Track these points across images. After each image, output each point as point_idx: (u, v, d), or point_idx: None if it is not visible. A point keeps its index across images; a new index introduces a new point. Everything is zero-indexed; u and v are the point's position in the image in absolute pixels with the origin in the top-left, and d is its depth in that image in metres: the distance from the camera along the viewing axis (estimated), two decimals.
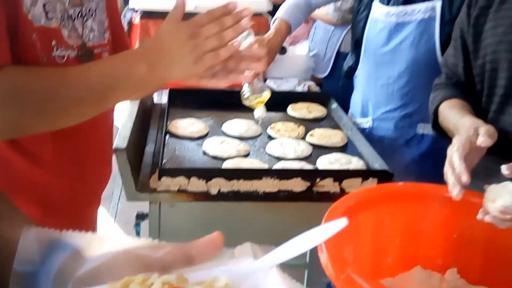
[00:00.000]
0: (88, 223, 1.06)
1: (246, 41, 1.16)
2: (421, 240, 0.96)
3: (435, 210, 0.96)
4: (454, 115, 1.08)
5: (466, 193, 0.87)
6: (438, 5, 1.48)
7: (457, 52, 1.19)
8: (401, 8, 1.55)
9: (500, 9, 1.07)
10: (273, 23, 1.71)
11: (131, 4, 2.34)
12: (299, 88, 2.23)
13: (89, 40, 0.90)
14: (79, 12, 0.87)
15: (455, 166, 0.87)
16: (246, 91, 1.29)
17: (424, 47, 1.51)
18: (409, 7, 1.54)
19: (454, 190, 0.86)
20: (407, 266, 0.95)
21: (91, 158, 0.98)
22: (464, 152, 0.89)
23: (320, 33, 2.66)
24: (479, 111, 1.11)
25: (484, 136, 0.89)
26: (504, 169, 0.84)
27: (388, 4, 1.59)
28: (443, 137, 1.19)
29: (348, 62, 1.80)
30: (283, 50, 2.35)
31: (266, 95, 1.27)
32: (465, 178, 0.85)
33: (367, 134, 1.66)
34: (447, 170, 0.90)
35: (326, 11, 2.55)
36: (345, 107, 1.83)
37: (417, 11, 1.53)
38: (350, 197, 0.94)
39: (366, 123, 1.71)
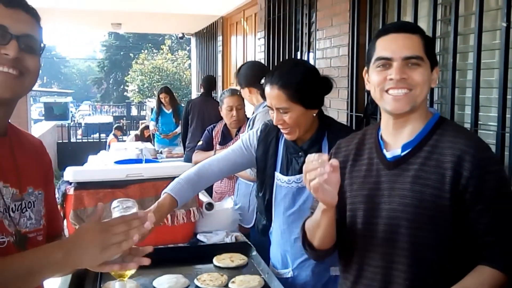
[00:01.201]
0: None
1: (131, 211, 1.38)
2: None
3: None
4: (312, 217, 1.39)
5: None
6: None
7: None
8: (298, 176, 1.88)
9: (352, 170, 1.43)
10: (161, 195, 1.86)
11: (65, 177, 2.56)
12: (227, 239, 2.47)
13: (26, 227, 1.13)
14: (19, 205, 1.12)
15: None
16: None
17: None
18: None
19: None
20: None
21: None
22: None
23: (242, 188, 3.00)
24: None
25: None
26: None
27: (287, 174, 1.92)
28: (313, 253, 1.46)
29: (261, 221, 2.06)
30: (210, 206, 2.63)
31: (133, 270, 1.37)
32: None
33: (290, 283, 1.90)
34: None
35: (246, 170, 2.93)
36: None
37: None
38: None
39: (288, 273, 1.95)
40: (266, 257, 2.06)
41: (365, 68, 1.40)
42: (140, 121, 16.59)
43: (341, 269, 1.50)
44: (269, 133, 2.01)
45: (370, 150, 1.43)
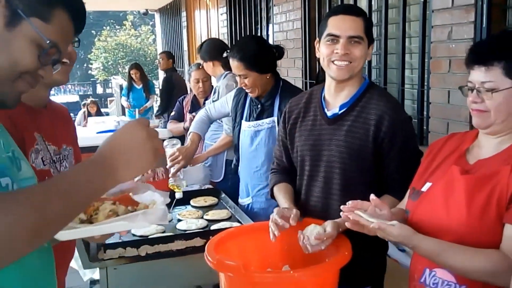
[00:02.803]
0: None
1: (174, 147, 2.12)
2: (268, 254, 1.63)
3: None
4: (280, 199, 1.83)
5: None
6: (275, 119, 2.33)
7: (281, 149, 1.96)
8: (255, 122, 2.41)
9: (301, 124, 1.86)
10: (189, 135, 2.62)
11: None
12: None
13: None
14: (58, 158, 1.54)
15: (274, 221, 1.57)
16: (171, 180, 2.34)
17: (271, 145, 2.31)
18: (260, 121, 2.38)
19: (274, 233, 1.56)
20: (263, 269, 1.60)
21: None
22: (278, 214, 1.59)
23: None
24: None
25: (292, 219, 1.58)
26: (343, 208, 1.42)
27: (248, 120, 2.44)
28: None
29: (234, 162, 2.64)
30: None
31: (184, 185, 2.29)
32: (276, 232, 1.54)
33: (250, 208, 2.39)
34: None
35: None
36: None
37: (265, 123, 2.37)
38: (224, 232, 1.62)
39: (248, 200, 2.43)
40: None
41: (317, 39, 1.81)
42: (108, 99, 16.62)
43: (295, 194, 1.95)
44: (240, 92, 2.57)
45: (315, 108, 1.86)
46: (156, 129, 4.03)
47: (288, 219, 1.57)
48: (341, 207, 1.38)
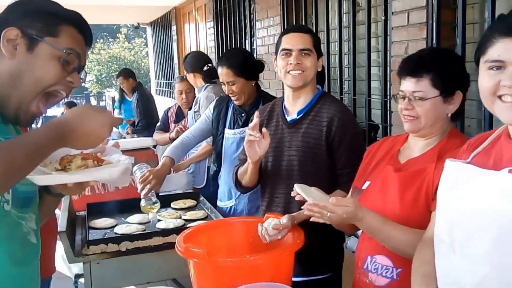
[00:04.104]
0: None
1: (141, 171, 2.18)
2: (234, 245, 1.83)
3: (239, 228, 1.85)
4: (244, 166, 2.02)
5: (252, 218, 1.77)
6: None
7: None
8: (241, 129, 2.61)
9: (267, 127, 2.08)
10: (162, 159, 2.70)
11: None
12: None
13: None
14: None
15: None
16: (143, 202, 2.36)
17: None
18: (245, 128, 2.57)
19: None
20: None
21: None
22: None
23: None
24: None
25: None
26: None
27: (233, 128, 2.65)
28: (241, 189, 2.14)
29: (213, 169, 2.84)
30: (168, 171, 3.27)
31: (157, 206, 2.29)
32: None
33: (234, 210, 2.59)
34: None
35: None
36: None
37: None
38: (195, 226, 1.82)
39: (231, 203, 2.63)
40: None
41: (274, 56, 2.05)
42: (115, 112, 16.72)
43: (261, 196, 2.17)
44: (222, 102, 2.79)
45: (277, 115, 2.10)
46: (142, 138, 4.21)
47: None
48: (305, 208, 1.49)
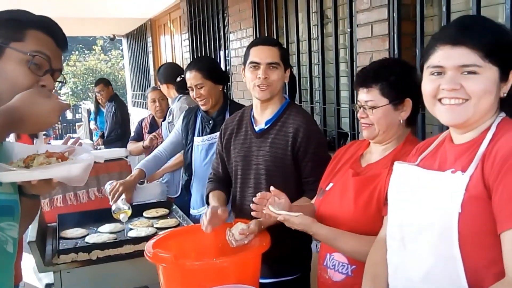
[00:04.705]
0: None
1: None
2: (203, 250, 1.87)
3: (208, 234, 1.89)
4: (212, 204, 2.07)
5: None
6: None
7: (218, 161, 2.24)
8: (209, 136, 2.68)
9: (235, 139, 2.14)
10: (134, 170, 2.76)
11: None
12: None
13: None
14: None
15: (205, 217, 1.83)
16: (113, 207, 2.41)
17: None
18: (213, 134, 2.66)
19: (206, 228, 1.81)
20: None
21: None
22: (208, 216, 1.84)
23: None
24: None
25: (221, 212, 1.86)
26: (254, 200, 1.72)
27: (201, 135, 2.71)
28: None
29: (185, 178, 2.90)
30: (141, 182, 3.29)
31: (128, 210, 2.36)
32: (208, 229, 1.80)
33: None
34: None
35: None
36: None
37: (217, 136, 2.63)
38: (164, 232, 1.85)
39: (204, 209, 2.66)
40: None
41: (242, 66, 2.10)
42: (77, 124, 16.58)
43: (231, 203, 2.21)
44: (190, 112, 2.87)
45: (246, 125, 2.15)
46: (115, 149, 4.20)
47: (217, 214, 1.85)
48: (251, 205, 1.63)
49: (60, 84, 1.28)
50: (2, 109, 1.04)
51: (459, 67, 1.12)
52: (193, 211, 2.81)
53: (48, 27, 1.19)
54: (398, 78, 1.57)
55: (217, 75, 2.69)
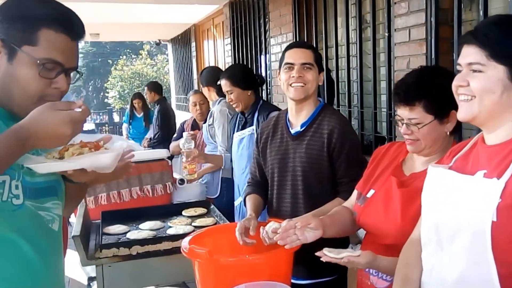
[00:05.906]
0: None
1: (188, 144, 2.73)
2: (238, 247, 1.93)
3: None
4: (248, 208, 2.11)
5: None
6: (254, 128, 2.79)
7: (255, 165, 2.29)
8: (241, 132, 2.91)
9: (271, 142, 2.19)
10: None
11: None
12: None
13: None
14: None
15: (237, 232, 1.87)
16: (185, 172, 2.87)
17: (251, 149, 2.66)
18: (244, 130, 2.89)
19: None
20: None
21: None
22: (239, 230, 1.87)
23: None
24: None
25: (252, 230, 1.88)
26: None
27: (237, 131, 2.92)
28: None
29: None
30: (182, 181, 3.40)
31: (193, 176, 2.92)
32: (241, 242, 1.84)
33: (241, 206, 2.74)
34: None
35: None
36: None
37: (247, 131, 2.85)
38: (201, 230, 1.94)
39: (240, 200, 2.76)
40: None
41: (278, 70, 2.16)
42: (123, 126, 17.03)
43: (268, 205, 2.26)
44: (234, 116, 3.16)
45: (281, 128, 2.20)
46: (157, 150, 4.35)
47: (248, 229, 1.90)
48: (276, 237, 1.65)
49: (78, 76, 1.21)
50: (10, 129, 1.02)
51: (468, 64, 1.16)
52: (235, 202, 2.97)
53: (61, 23, 1.12)
54: (440, 91, 1.47)
55: (245, 82, 2.92)
